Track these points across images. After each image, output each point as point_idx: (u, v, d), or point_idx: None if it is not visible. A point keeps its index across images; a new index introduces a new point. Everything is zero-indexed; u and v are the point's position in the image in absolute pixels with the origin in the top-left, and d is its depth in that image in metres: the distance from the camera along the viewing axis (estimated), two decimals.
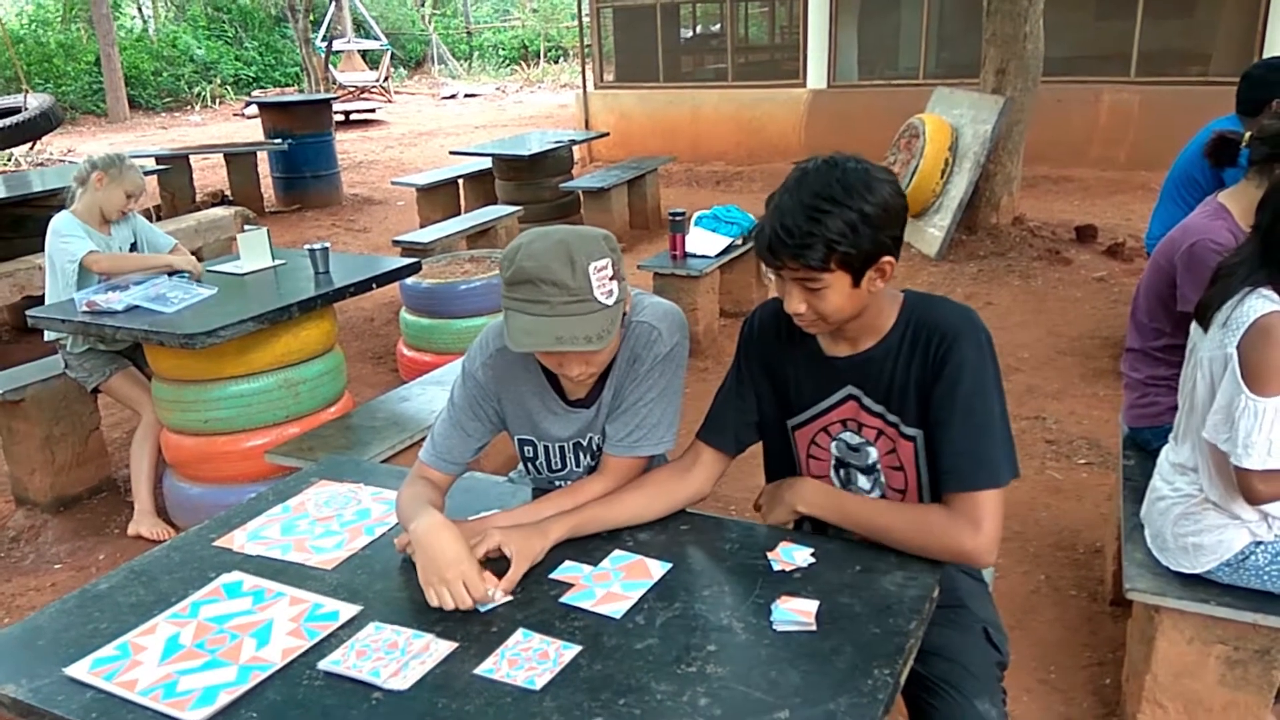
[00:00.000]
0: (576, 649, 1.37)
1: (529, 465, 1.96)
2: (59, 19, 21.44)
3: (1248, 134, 2.55)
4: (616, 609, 1.47)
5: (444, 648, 1.39)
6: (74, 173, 3.54)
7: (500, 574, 1.54)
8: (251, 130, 13.99)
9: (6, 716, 1.35)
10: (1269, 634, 1.96)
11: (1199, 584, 2.00)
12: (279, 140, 9.26)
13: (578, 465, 1.90)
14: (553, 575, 1.57)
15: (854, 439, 1.71)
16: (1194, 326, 2.05)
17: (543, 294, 1.55)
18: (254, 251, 3.73)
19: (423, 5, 26.72)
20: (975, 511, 1.53)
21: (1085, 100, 8.94)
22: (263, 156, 9.80)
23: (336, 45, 19.13)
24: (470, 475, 2.11)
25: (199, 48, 21.34)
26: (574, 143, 8.32)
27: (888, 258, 1.53)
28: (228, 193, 9.33)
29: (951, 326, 1.57)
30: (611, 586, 1.53)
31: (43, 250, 3.50)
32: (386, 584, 1.59)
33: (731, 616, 1.43)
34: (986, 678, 1.59)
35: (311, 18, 18.43)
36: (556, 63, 24.21)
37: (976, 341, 1.56)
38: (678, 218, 4.93)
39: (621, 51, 11.97)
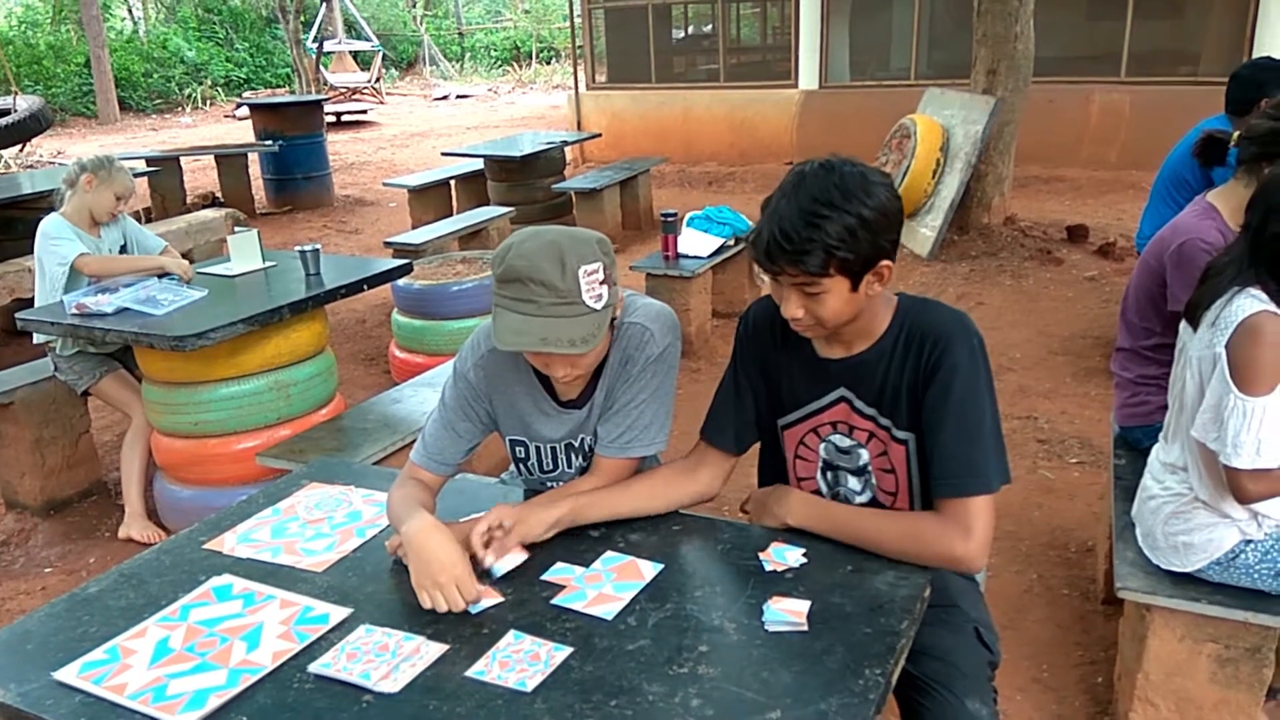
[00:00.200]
0: (568, 650, 1.37)
1: (521, 466, 1.96)
2: (48, 20, 21.37)
3: (1236, 133, 2.56)
4: (608, 610, 1.46)
5: (435, 650, 1.39)
6: (63, 175, 3.53)
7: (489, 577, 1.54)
8: (242, 132, 13.95)
9: None
10: (1259, 632, 1.97)
11: (1190, 582, 2.01)
12: (270, 142, 9.24)
13: (569, 466, 1.90)
14: (544, 577, 1.56)
15: (844, 441, 1.71)
16: (1183, 326, 2.06)
17: (531, 293, 1.55)
18: (244, 253, 3.72)
19: (414, 6, 26.69)
20: (966, 518, 1.53)
21: (1076, 100, 8.96)
22: (254, 158, 9.78)
23: (328, 46, 19.11)
24: (462, 477, 2.11)
25: (189, 49, 21.29)
26: (566, 144, 8.32)
27: (885, 261, 1.53)
28: (218, 194, 9.30)
29: (944, 331, 1.57)
30: (603, 588, 1.53)
31: (32, 253, 3.49)
32: (377, 586, 1.58)
33: (723, 617, 1.43)
34: (978, 677, 1.59)
35: (302, 19, 18.43)
36: (548, 64, 24.21)
37: (969, 346, 1.57)
38: (670, 218, 4.93)
39: (613, 52, 11.97)
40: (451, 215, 7.45)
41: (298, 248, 3.56)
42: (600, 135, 10.15)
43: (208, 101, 20.40)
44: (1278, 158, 2.32)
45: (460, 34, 26.65)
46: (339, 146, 13.43)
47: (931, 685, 1.55)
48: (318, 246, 3.57)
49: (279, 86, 21.47)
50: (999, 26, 6.30)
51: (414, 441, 1.87)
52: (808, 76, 10.42)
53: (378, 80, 20.05)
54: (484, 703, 1.28)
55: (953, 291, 5.73)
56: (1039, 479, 3.52)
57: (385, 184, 8.56)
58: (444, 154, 8.78)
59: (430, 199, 7.85)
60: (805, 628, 1.39)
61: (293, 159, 9.39)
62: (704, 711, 1.24)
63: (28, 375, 3.65)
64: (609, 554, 1.63)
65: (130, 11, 24.00)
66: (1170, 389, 2.11)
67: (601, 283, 1.60)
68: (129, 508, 3.48)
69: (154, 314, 3.13)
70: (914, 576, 1.51)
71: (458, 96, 20.46)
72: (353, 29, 21.48)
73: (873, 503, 1.72)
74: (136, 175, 4.75)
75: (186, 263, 3.57)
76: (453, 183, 8.12)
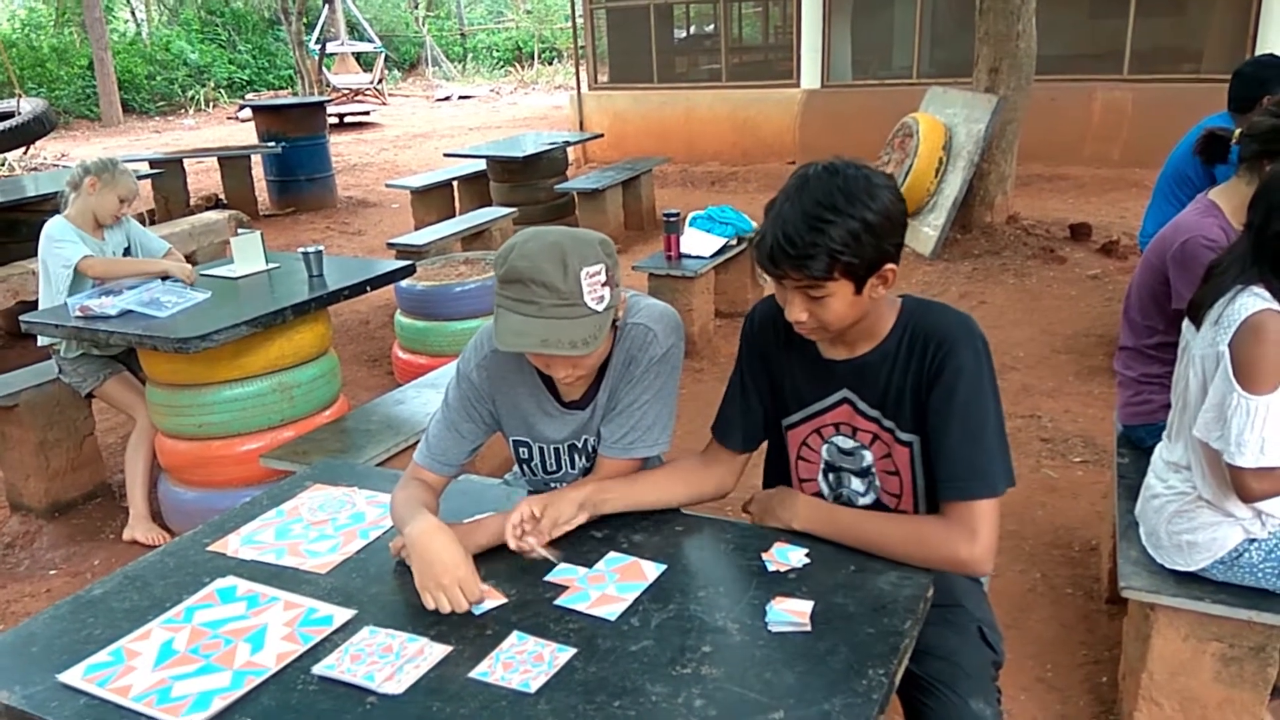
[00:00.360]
0: (571, 651, 1.37)
1: (524, 467, 1.96)
2: (52, 23, 21.42)
3: (1237, 131, 2.56)
4: (611, 611, 1.46)
5: (438, 651, 1.39)
6: (67, 177, 3.54)
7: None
8: (245, 133, 13.98)
9: None
10: (1264, 631, 1.97)
11: (1194, 581, 2.00)
12: (273, 143, 9.25)
13: (573, 467, 1.90)
14: (547, 578, 1.56)
15: (847, 443, 1.71)
16: (1186, 324, 2.05)
17: (532, 294, 1.55)
18: (247, 255, 3.72)
19: (416, 7, 26.70)
20: (971, 521, 1.53)
21: (1078, 98, 8.95)
22: (257, 160, 9.80)
23: (330, 48, 19.12)
24: (465, 478, 2.12)
25: (192, 51, 21.32)
26: (568, 144, 8.33)
27: (890, 265, 1.53)
28: (222, 196, 9.32)
29: (949, 333, 1.57)
30: (606, 588, 1.53)
31: (36, 255, 3.49)
32: (381, 588, 1.58)
33: (726, 618, 1.43)
34: (981, 677, 1.59)
35: (305, 20, 18.44)
36: (550, 64, 24.21)
37: (974, 349, 1.56)
38: (672, 218, 4.93)
39: (615, 52, 11.98)
40: (454, 216, 7.45)
41: (301, 249, 3.56)
42: (602, 135, 10.16)
43: (211, 103, 20.43)
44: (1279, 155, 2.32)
45: (462, 35, 26.66)
46: (342, 148, 13.44)
47: (935, 685, 1.55)
48: (321, 248, 3.58)
49: (282, 88, 21.49)
50: (1001, 25, 6.29)
51: (417, 442, 1.88)
52: (810, 76, 10.41)
53: (380, 81, 20.07)
54: (488, 704, 1.28)
55: (955, 290, 5.72)
56: (1042, 478, 3.51)
57: (388, 185, 8.57)
58: (446, 155, 8.79)
59: (433, 200, 7.85)
60: (808, 628, 1.39)
61: (295, 161, 9.40)
62: (707, 712, 1.24)
63: (32, 378, 3.66)
64: (612, 555, 1.63)
65: (133, 14, 24.05)
66: (1173, 388, 2.11)
67: (604, 284, 1.60)
68: (133, 510, 3.48)
69: (158, 316, 3.14)
70: (917, 576, 1.51)
71: (460, 97, 20.47)
72: (355, 30, 21.50)
73: (876, 505, 1.72)
74: (140, 177, 4.76)
75: (189, 266, 3.57)
76: (455, 183, 8.13)
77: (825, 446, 1.74)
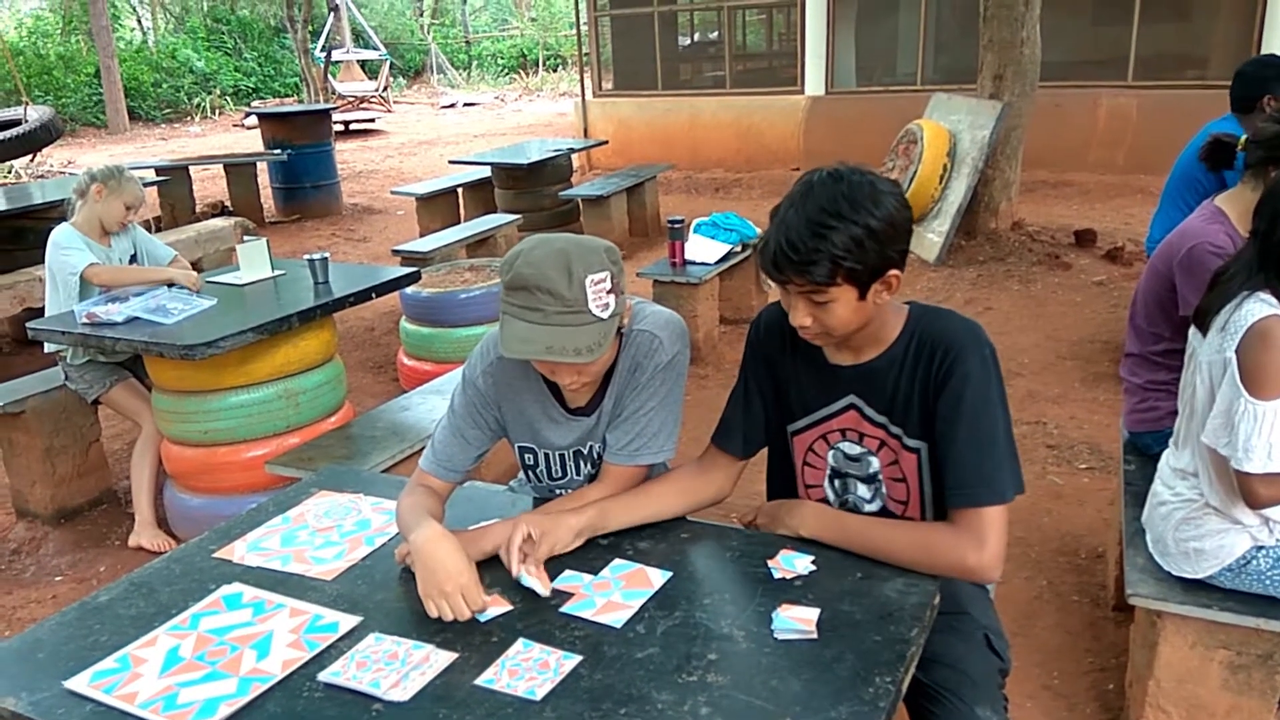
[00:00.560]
0: (577, 659, 1.37)
1: (529, 473, 1.96)
2: (58, 31, 21.51)
3: (1243, 138, 2.56)
4: (617, 618, 1.46)
5: (444, 658, 1.39)
6: (73, 185, 3.55)
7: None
8: (251, 141, 14.02)
9: None
10: (1272, 638, 1.96)
11: (1201, 589, 2.00)
12: (278, 151, 9.28)
13: (578, 474, 1.90)
14: (553, 585, 1.56)
15: (853, 449, 1.71)
16: (1193, 331, 2.05)
17: (538, 301, 1.56)
18: (253, 262, 3.73)
19: (421, 15, 26.80)
20: (979, 528, 1.53)
21: (1083, 105, 8.95)
22: (262, 167, 9.82)
23: (335, 55, 19.18)
24: (470, 484, 2.11)
25: (198, 59, 21.41)
26: (573, 151, 8.33)
27: (894, 271, 1.53)
28: (227, 203, 9.35)
29: (956, 340, 1.57)
30: (612, 595, 1.53)
31: (43, 262, 3.51)
32: (387, 595, 1.58)
33: (732, 625, 1.43)
34: (988, 684, 1.59)
35: (310, 28, 18.52)
36: (555, 71, 24.27)
37: (981, 356, 1.56)
38: (677, 225, 4.94)
39: (620, 59, 12.00)
40: (459, 223, 7.47)
41: (306, 256, 3.57)
42: (607, 142, 10.16)
43: (217, 111, 20.51)
44: None
45: (467, 42, 26.76)
46: (347, 155, 13.48)
47: (942, 693, 1.55)
48: (326, 255, 3.59)
49: (287, 96, 21.58)
50: (1005, 31, 6.29)
51: (423, 449, 1.88)
52: (814, 82, 10.42)
53: (385, 89, 20.13)
54: (493, 711, 1.28)
55: (960, 296, 5.72)
56: (1048, 485, 3.50)
57: (393, 192, 8.59)
58: (451, 162, 8.80)
59: (438, 207, 7.87)
60: (815, 635, 1.39)
61: (301, 168, 9.43)
62: None
63: (39, 384, 3.67)
64: (617, 562, 1.63)
65: (139, 22, 24.16)
66: (1180, 394, 2.10)
67: (609, 292, 1.60)
68: (139, 516, 3.49)
69: (164, 323, 3.14)
70: (924, 584, 1.51)
71: (465, 105, 20.53)
72: (360, 38, 21.57)
73: (883, 511, 1.72)
74: (146, 185, 4.79)
75: (195, 274, 3.58)
76: (460, 190, 8.14)
77: (831, 452, 1.73)
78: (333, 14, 19.76)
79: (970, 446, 1.54)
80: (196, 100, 20.49)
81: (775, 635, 1.39)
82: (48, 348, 3.51)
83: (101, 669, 1.40)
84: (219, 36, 22.92)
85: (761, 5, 11.72)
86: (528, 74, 24.24)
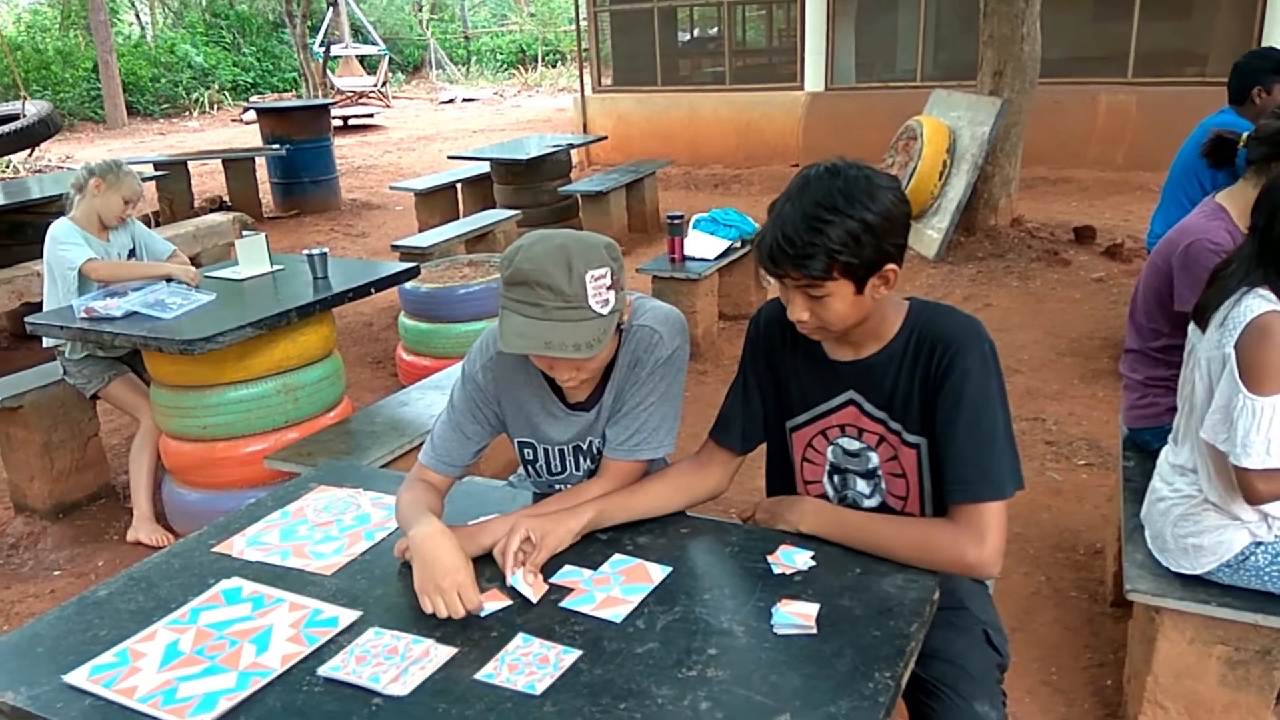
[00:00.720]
0: (577, 654, 1.37)
1: (529, 468, 1.96)
2: (57, 25, 21.46)
3: (1245, 134, 2.55)
4: (617, 613, 1.46)
5: (444, 653, 1.39)
6: (72, 179, 3.54)
7: (502, 577, 1.54)
8: (250, 136, 14.01)
9: None
10: (1270, 634, 1.96)
11: (1199, 585, 2.00)
12: (277, 146, 9.27)
13: (577, 469, 1.90)
14: (553, 580, 1.56)
15: (853, 444, 1.71)
16: (1192, 327, 2.05)
17: (537, 297, 1.56)
18: (252, 257, 3.73)
19: (420, 10, 26.76)
20: (979, 524, 1.53)
21: (1083, 101, 8.95)
22: (261, 162, 9.81)
23: (334, 50, 19.13)
24: (470, 479, 2.12)
25: (197, 54, 21.36)
26: (572, 146, 8.33)
27: (891, 265, 1.53)
28: (226, 198, 9.34)
29: (956, 337, 1.57)
30: (611, 590, 1.53)
31: (41, 257, 3.50)
32: (386, 589, 1.58)
33: (732, 620, 1.43)
34: (986, 680, 1.59)
35: (309, 23, 18.44)
36: (554, 67, 24.25)
37: (980, 352, 1.56)
38: (676, 221, 4.93)
39: (619, 55, 11.99)
40: (458, 218, 7.46)
41: (305, 251, 3.57)
42: (606, 138, 10.16)
43: (215, 106, 20.47)
44: None
45: (466, 38, 26.71)
46: (346, 150, 13.46)
47: (940, 688, 1.55)
48: (325, 250, 3.58)
49: (286, 91, 21.53)
50: (1005, 28, 6.29)
51: (422, 444, 1.88)
52: (814, 79, 10.41)
53: (384, 84, 20.10)
54: (493, 706, 1.28)
55: (959, 293, 5.72)
56: (1047, 481, 3.51)
57: (392, 187, 8.58)
58: (450, 157, 8.79)
59: (437, 202, 7.86)
60: (814, 631, 1.39)
61: (300, 163, 9.42)
62: (713, 714, 1.23)
63: (37, 379, 3.66)
64: (617, 557, 1.63)
65: (138, 16, 24.11)
66: (1179, 391, 2.10)
67: (609, 288, 1.60)
68: (137, 511, 3.49)
69: (162, 318, 3.14)
70: (923, 579, 1.51)
71: (464, 100, 20.50)
72: (359, 33, 21.53)
73: (882, 507, 1.72)
74: (144, 179, 4.77)
75: (194, 269, 3.58)
76: (459, 186, 8.13)
77: (830, 448, 1.73)
78: (331, 9, 19.70)
79: (970, 442, 1.54)
80: (195, 95, 20.45)
81: (775, 630, 1.39)
82: (46, 342, 3.51)
83: (100, 663, 1.40)
84: (217, 31, 22.87)
85: (761, 1, 11.70)
86: (527, 69, 24.21)
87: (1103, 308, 5.31)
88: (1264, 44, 8.20)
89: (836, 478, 1.76)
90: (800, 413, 1.75)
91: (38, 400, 3.59)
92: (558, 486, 1.92)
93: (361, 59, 20.68)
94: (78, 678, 1.37)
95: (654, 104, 11.34)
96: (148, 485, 3.49)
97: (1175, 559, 2.02)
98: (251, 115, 15.12)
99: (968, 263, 6.23)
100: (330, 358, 3.52)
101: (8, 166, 12.32)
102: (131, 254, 3.64)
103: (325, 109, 10.14)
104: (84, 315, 3.17)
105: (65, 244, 3.38)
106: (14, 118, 10.47)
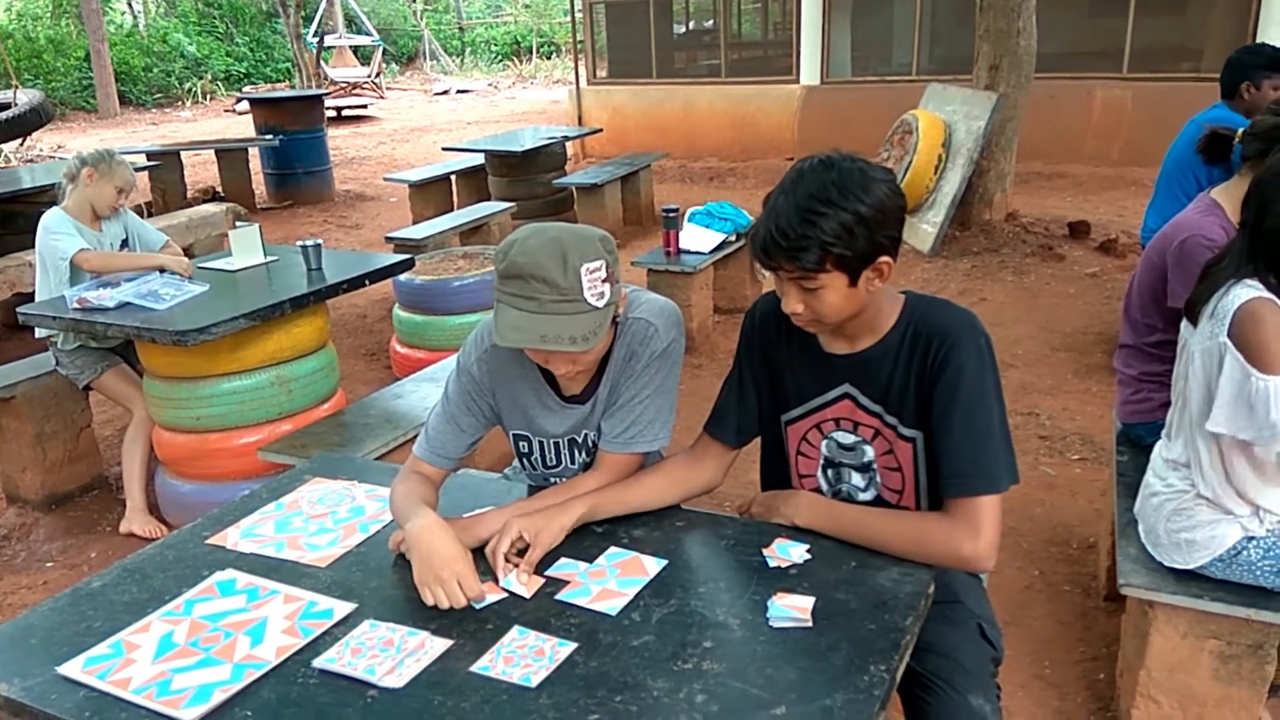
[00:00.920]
0: (572, 646, 1.37)
1: (524, 461, 1.96)
2: (48, 14, 21.32)
3: (1241, 130, 2.56)
4: (612, 606, 1.46)
5: (439, 645, 1.39)
6: (64, 169, 3.52)
7: (492, 573, 1.54)
8: (243, 126, 13.93)
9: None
10: (1262, 629, 1.97)
11: (1192, 579, 2.00)
12: (270, 136, 9.23)
13: (573, 461, 1.90)
14: (548, 573, 1.56)
15: (848, 438, 1.71)
16: (1184, 322, 2.05)
17: (533, 290, 1.55)
18: (246, 248, 3.72)
19: (414, 1, 26.65)
20: (974, 517, 1.53)
21: (1078, 96, 8.95)
22: (254, 152, 9.77)
23: (328, 41, 19.08)
24: (465, 472, 2.11)
25: (190, 43, 21.25)
26: (567, 139, 8.31)
27: (885, 258, 1.53)
28: (219, 189, 9.30)
29: (952, 331, 1.57)
30: (607, 583, 1.53)
31: (33, 247, 3.48)
32: (381, 581, 1.58)
33: (727, 613, 1.43)
34: (981, 673, 1.59)
35: (303, 13, 18.38)
36: (549, 58, 24.17)
37: (976, 346, 1.56)
38: (671, 214, 4.93)
39: (614, 47, 11.95)
40: (452, 210, 7.44)
41: (299, 243, 3.55)
42: (601, 130, 10.13)
43: (208, 96, 20.37)
44: None
45: (460, 29, 26.61)
46: (339, 141, 13.41)
47: (935, 681, 1.55)
48: (319, 241, 3.57)
49: (279, 81, 21.44)
50: (1001, 22, 6.28)
51: (416, 436, 1.87)
52: (809, 72, 10.40)
53: (378, 75, 20.03)
54: (489, 698, 1.28)
55: (954, 288, 5.73)
56: (1041, 475, 3.52)
57: (386, 179, 8.56)
58: (445, 149, 8.76)
59: (431, 194, 7.84)
60: (810, 624, 1.39)
61: (293, 154, 9.39)
62: (709, 707, 1.24)
63: (29, 370, 3.65)
64: (613, 549, 1.63)
65: (130, 5, 23.95)
66: (1173, 386, 2.11)
67: (604, 281, 1.59)
68: (130, 502, 3.48)
69: (156, 309, 3.13)
70: (918, 573, 1.51)
71: (458, 91, 20.42)
72: (353, 24, 21.45)
73: (877, 500, 1.72)
74: (137, 169, 4.75)
75: (186, 260, 3.56)
76: (453, 178, 8.11)
77: (825, 442, 1.74)
78: None
79: (965, 436, 1.54)
80: (188, 85, 20.34)
81: (770, 623, 1.40)
82: (38, 333, 3.49)
83: (94, 655, 1.40)
84: (210, 21, 22.74)
85: None
86: (521, 61, 24.12)
87: (1097, 303, 5.32)
88: (1258, 39, 8.22)
89: (831, 471, 1.76)
90: (795, 406, 1.75)
91: (30, 391, 3.58)
92: (553, 479, 1.92)
93: (355, 50, 20.60)
94: (72, 669, 1.36)
95: (649, 96, 11.32)
96: (141, 477, 3.48)
97: (1168, 553, 2.03)
98: (244, 106, 15.05)
99: (962, 257, 6.24)
100: (324, 350, 3.51)
101: None
102: (124, 244, 3.62)
103: (319, 100, 10.09)
104: (76, 306, 3.15)
105: (57, 234, 3.36)
106: (5, 106, 10.42)
